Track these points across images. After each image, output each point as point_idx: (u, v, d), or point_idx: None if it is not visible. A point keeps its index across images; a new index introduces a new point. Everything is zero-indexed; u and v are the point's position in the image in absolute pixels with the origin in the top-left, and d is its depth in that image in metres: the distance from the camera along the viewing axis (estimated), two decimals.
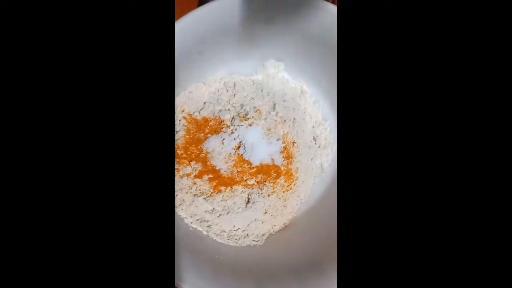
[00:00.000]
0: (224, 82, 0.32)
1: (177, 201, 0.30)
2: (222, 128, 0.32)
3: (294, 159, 0.33)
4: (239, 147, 0.32)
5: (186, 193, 0.31)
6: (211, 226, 0.31)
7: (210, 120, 0.32)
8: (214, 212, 0.31)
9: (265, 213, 0.32)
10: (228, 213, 0.31)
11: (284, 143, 0.32)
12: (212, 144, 0.31)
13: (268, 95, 0.33)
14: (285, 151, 0.32)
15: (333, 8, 0.26)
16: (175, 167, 0.31)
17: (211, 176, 0.31)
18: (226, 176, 0.31)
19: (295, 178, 0.33)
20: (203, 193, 0.31)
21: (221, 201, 0.31)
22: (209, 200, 0.31)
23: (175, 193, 0.30)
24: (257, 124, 0.32)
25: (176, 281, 0.25)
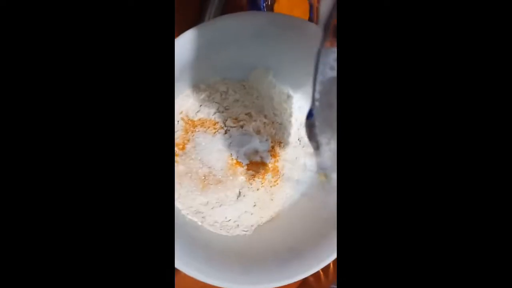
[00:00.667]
0: (218, 87, 0.35)
1: (175, 195, 0.34)
2: (216, 129, 0.35)
3: (280, 157, 0.36)
4: (231, 146, 0.35)
5: (184, 187, 0.34)
6: (205, 217, 0.34)
7: (206, 121, 0.35)
8: (208, 205, 0.34)
9: (254, 205, 0.35)
10: (220, 205, 0.34)
11: (272, 143, 0.36)
12: (207, 144, 0.35)
13: (257, 99, 0.36)
14: (273, 150, 0.36)
15: (315, 28, 0.29)
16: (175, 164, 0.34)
17: (206, 173, 0.35)
18: (220, 173, 0.35)
19: (281, 174, 0.36)
20: (198, 188, 0.34)
21: (215, 194, 0.34)
22: (203, 194, 0.34)
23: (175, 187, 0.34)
24: (247, 126, 0.35)
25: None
